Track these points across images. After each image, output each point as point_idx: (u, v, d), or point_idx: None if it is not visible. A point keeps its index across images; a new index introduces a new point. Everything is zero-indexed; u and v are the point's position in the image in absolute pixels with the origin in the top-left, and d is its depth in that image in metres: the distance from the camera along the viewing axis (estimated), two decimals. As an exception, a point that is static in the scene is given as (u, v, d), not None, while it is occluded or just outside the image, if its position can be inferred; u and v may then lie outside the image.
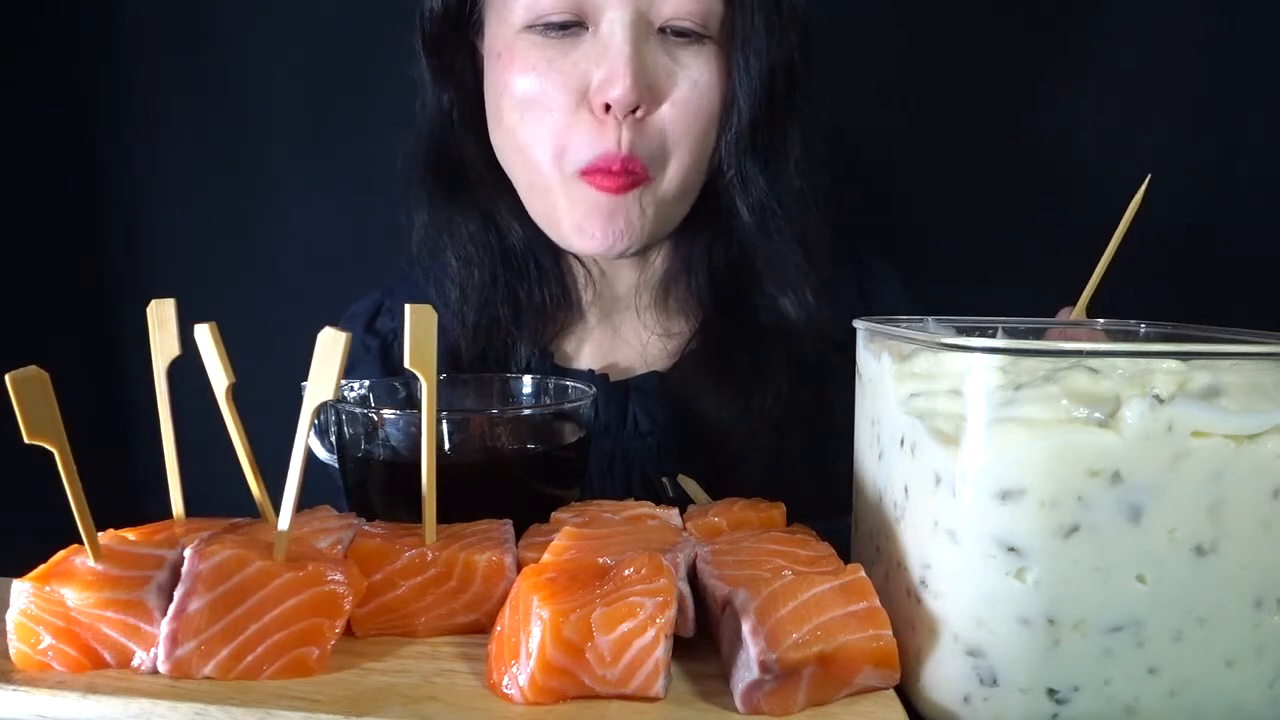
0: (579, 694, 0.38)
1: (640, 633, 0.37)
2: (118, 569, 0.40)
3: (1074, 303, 0.57)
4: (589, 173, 0.67)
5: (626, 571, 0.40)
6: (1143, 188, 0.54)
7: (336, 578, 0.41)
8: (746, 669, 0.37)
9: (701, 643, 0.42)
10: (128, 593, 0.40)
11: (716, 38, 0.68)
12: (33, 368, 0.37)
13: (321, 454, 0.65)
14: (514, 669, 0.38)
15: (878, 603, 0.40)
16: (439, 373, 0.45)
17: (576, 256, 0.77)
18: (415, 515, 0.46)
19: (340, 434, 0.57)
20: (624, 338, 0.79)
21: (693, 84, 0.67)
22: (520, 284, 0.75)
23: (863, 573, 0.41)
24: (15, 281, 1.00)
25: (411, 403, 0.61)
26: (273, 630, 0.39)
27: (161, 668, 0.39)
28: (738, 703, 0.38)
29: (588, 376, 0.76)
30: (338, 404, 0.56)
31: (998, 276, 0.94)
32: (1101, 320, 0.55)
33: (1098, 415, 0.37)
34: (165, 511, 0.47)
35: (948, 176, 0.99)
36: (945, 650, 0.39)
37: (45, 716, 0.38)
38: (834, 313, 0.73)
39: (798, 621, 0.38)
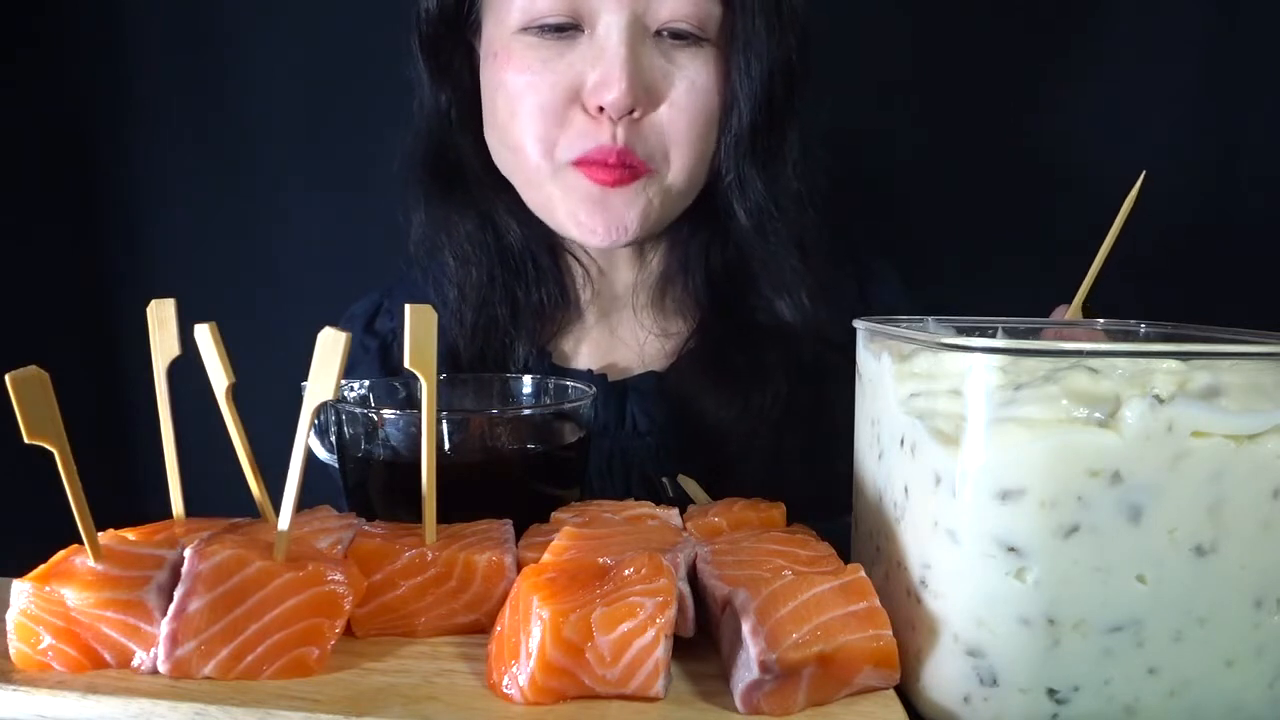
0: (579, 694, 0.38)
1: (640, 633, 0.37)
2: (118, 569, 0.40)
3: (1071, 301, 0.57)
4: (582, 163, 0.67)
5: (626, 571, 0.40)
6: (1138, 184, 0.54)
7: (336, 578, 0.41)
8: (746, 669, 0.37)
9: (701, 643, 0.42)
10: (128, 593, 0.40)
11: (715, 40, 0.68)
12: (33, 368, 0.37)
13: (321, 454, 0.65)
14: (514, 669, 0.38)
15: (878, 603, 0.40)
16: (438, 373, 0.45)
17: (575, 256, 0.77)
18: (415, 515, 0.46)
19: (340, 434, 0.57)
20: (622, 337, 0.79)
21: (690, 85, 0.67)
22: (518, 283, 0.75)
23: (863, 573, 0.41)
24: (15, 281, 1.00)
25: (411, 403, 0.61)
26: (273, 630, 0.39)
27: (161, 668, 0.39)
28: (738, 703, 0.38)
29: (586, 376, 0.76)
30: (338, 404, 0.56)
31: (998, 276, 0.94)
32: (1101, 320, 0.55)
33: (1098, 415, 0.37)
34: (165, 511, 0.47)
35: (948, 177, 0.99)
36: (945, 650, 0.39)
37: (45, 716, 0.38)
38: (833, 314, 0.73)
39: (798, 621, 0.38)
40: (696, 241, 0.76)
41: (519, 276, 0.75)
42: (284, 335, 0.60)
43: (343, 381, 0.48)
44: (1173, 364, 0.37)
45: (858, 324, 0.49)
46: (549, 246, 0.76)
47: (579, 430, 0.59)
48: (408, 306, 0.43)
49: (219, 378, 0.44)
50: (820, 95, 0.73)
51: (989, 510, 0.38)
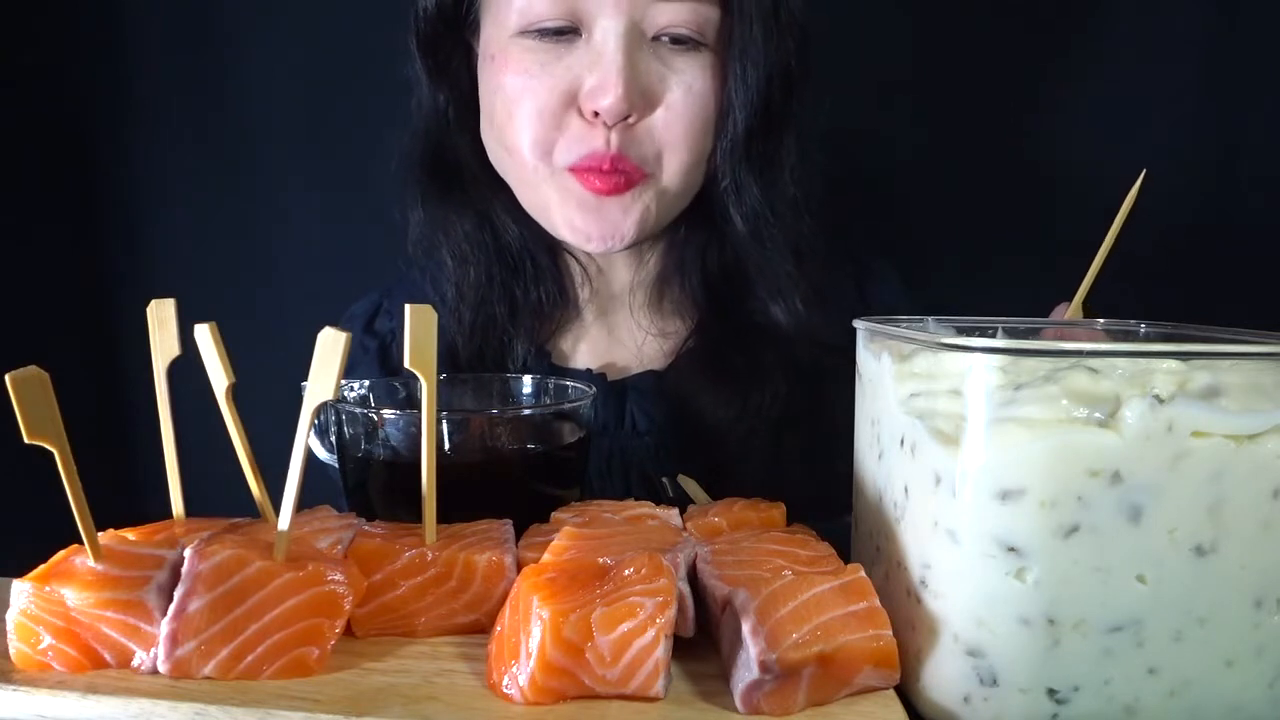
0: (579, 694, 0.38)
1: (640, 633, 0.37)
2: (118, 569, 0.40)
3: (1071, 300, 0.57)
4: (577, 170, 0.67)
5: (626, 571, 0.40)
6: (1138, 183, 0.54)
7: (336, 578, 0.41)
8: (746, 669, 0.37)
9: (701, 643, 0.42)
10: (128, 593, 0.40)
11: (712, 45, 0.68)
12: (33, 368, 0.37)
13: (321, 454, 0.65)
14: (514, 669, 0.38)
15: (878, 603, 0.40)
16: (438, 372, 0.45)
17: (573, 254, 0.77)
18: (415, 515, 0.46)
19: (340, 434, 0.57)
20: (620, 337, 0.79)
21: (686, 89, 0.67)
22: (516, 282, 0.75)
23: (863, 573, 0.41)
24: (15, 281, 1.00)
25: (411, 403, 0.61)
26: (273, 630, 0.39)
27: (161, 668, 0.39)
28: (738, 703, 0.38)
29: (585, 375, 0.76)
30: (338, 404, 0.56)
31: (998, 276, 0.94)
32: (1101, 320, 0.55)
33: (1098, 415, 0.37)
34: (165, 511, 0.47)
35: (948, 177, 0.99)
36: (945, 650, 0.39)
37: (45, 716, 0.38)
38: (831, 315, 0.72)
39: (798, 621, 0.38)
40: (693, 244, 0.76)
41: (517, 275, 0.75)
42: (284, 335, 0.60)
43: (343, 381, 0.48)
44: (1173, 364, 0.37)
45: (858, 324, 0.49)
46: (547, 246, 0.76)
47: (579, 430, 0.59)
48: (408, 306, 0.43)
49: (219, 378, 0.44)
50: (819, 96, 0.73)
51: (989, 510, 0.38)
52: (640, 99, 0.65)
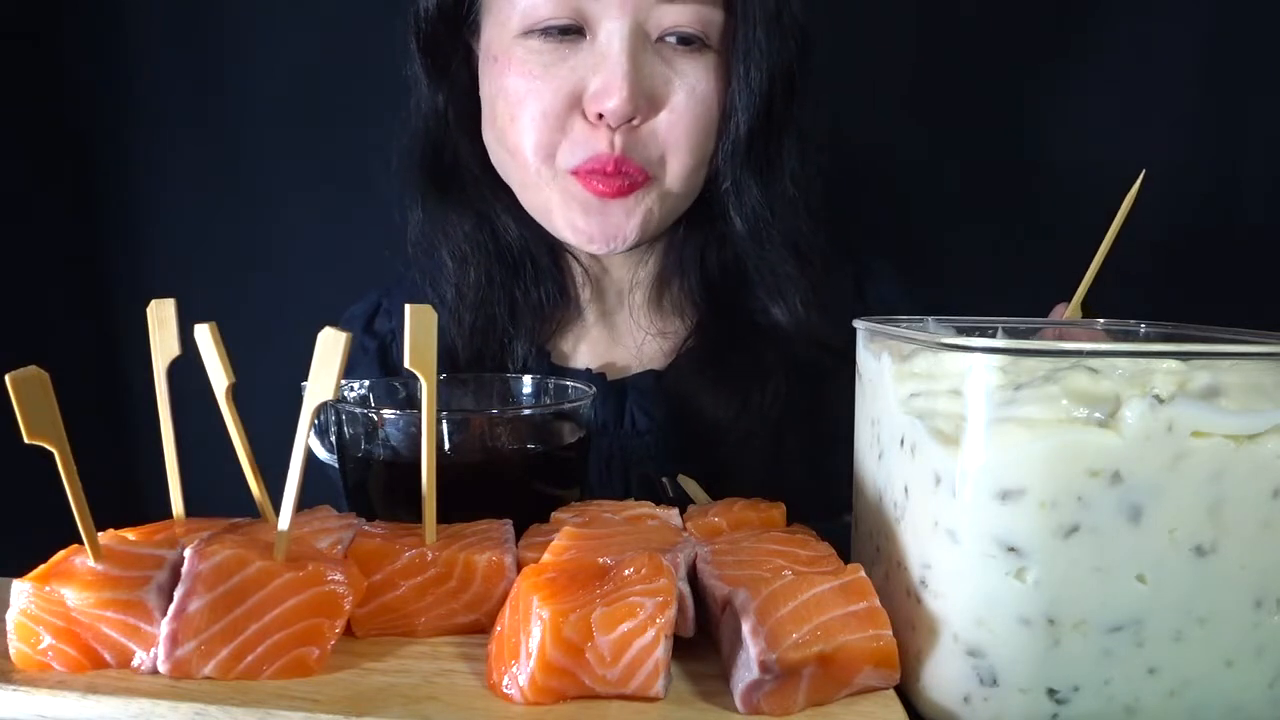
0: (579, 694, 0.38)
1: (640, 633, 0.37)
2: (118, 569, 0.40)
3: (1070, 300, 0.57)
4: (580, 173, 0.67)
5: (626, 571, 0.40)
6: (1137, 182, 0.54)
7: (336, 578, 0.41)
8: (746, 669, 0.37)
9: (701, 643, 0.42)
10: (128, 593, 0.40)
11: (716, 47, 0.68)
12: (33, 368, 0.37)
13: (321, 454, 0.65)
14: (514, 669, 0.38)
15: (878, 603, 0.40)
16: (437, 373, 0.45)
17: (574, 254, 0.77)
18: (415, 515, 0.46)
19: (340, 434, 0.57)
20: (620, 337, 0.79)
21: (690, 91, 0.67)
22: (516, 283, 0.75)
23: (863, 573, 0.41)
24: (15, 281, 1.00)
25: (411, 403, 0.61)
26: (273, 630, 0.39)
27: (161, 668, 0.39)
28: (738, 703, 0.38)
29: (585, 375, 0.76)
30: (338, 404, 0.56)
31: (998, 276, 0.94)
32: (1101, 320, 0.55)
33: (1098, 415, 0.37)
34: (165, 511, 0.47)
35: (948, 177, 0.99)
36: (945, 650, 0.39)
37: (45, 716, 0.38)
38: (829, 316, 0.73)
39: (798, 621, 0.38)
40: (692, 244, 0.76)
41: (517, 276, 0.75)
42: (284, 335, 0.60)
43: (343, 381, 0.48)
44: (1173, 364, 0.37)
45: (858, 324, 0.49)
46: (548, 246, 0.76)
47: (579, 430, 0.59)
48: (408, 307, 0.43)
49: (219, 378, 0.44)
50: (820, 96, 0.73)
51: (989, 510, 0.38)
52: (645, 101, 0.65)
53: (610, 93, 0.64)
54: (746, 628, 0.38)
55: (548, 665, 0.37)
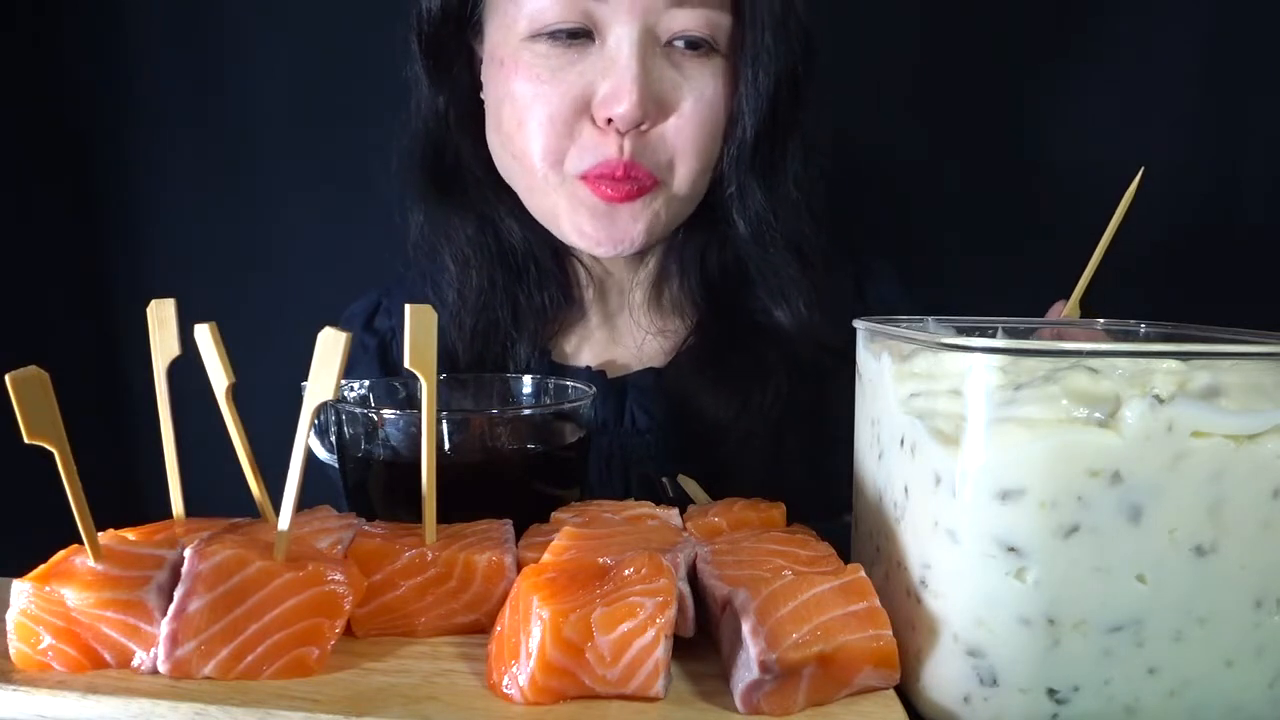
0: (579, 694, 0.38)
1: (640, 633, 0.37)
2: (118, 569, 0.40)
3: (1069, 298, 0.57)
4: (589, 178, 0.67)
5: (626, 571, 0.40)
6: (1135, 180, 0.54)
7: (336, 578, 0.41)
8: (746, 669, 0.37)
9: (701, 643, 0.42)
10: (128, 593, 0.40)
11: (724, 51, 0.68)
12: (33, 368, 0.37)
13: (321, 454, 0.65)
14: (514, 669, 0.38)
15: (878, 603, 0.40)
16: (437, 374, 0.45)
17: (578, 256, 0.77)
18: (415, 515, 0.46)
19: (340, 434, 0.57)
20: (621, 336, 0.79)
21: (698, 96, 0.67)
22: (519, 286, 0.75)
23: (863, 573, 0.41)
24: (15, 281, 1.00)
25: (411, 403, 0.61)
26: (273, 630, 0.39)
27: (161, 668, 0.39)
28: (738, 703, 0.38)
29: (585, 374, 0.76)
30: (338, 404, 0.56)
31: (998, 276, 0.94)
32: (1101, 320, 0.55)
33: (1098, 415, 0.37)
34: (165, 511, 0.47)
35: (948, 177, 0.99)
36: (945, 650, 0.39)
37: (45, 716, 0.38)
38: (831, 318, 0.73)
39: (798, 621, 0.38)
40: (692, 244, 0.76)
41: (520, 279, 0.75)
42: (284, 335, 0.60)
43: (343, 381, 0.48)
44: (1173, 364, 0.37)
45: (858, 324, 0.49)
46: (552, 249, 0.75)
47: (579, 430, 0.59)
48: (408, 307, 0.43)
49: (219, 378, 0.44)
50: (821, 95, 0.73)
51: (989, 510, 0.38)
52: (654, 106, 0.65)
53: (620, 97, 0.63)
54: (746, 628, 0.38)
55: (548, 665, 0.37)
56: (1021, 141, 0.99)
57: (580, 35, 0.65)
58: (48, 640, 0.39)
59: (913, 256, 0.90)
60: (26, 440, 0.37)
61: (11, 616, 0.40)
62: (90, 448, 0.43)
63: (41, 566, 0.41)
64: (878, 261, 0.85)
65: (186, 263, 1.04)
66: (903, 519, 0.43)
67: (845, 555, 0.46)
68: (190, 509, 0.47)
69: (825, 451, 0.59)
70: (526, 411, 0.61)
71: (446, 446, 0.55)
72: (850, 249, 0.82)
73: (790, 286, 0.73)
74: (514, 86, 0.67)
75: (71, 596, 0.39)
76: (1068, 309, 0.57)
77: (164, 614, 0.39)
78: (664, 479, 0.64)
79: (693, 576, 0.44)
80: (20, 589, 0.40)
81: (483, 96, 0.72)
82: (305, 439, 0.41)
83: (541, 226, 0.73)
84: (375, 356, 0.79)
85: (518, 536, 0.48)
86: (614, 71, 0.64)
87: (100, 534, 0.41)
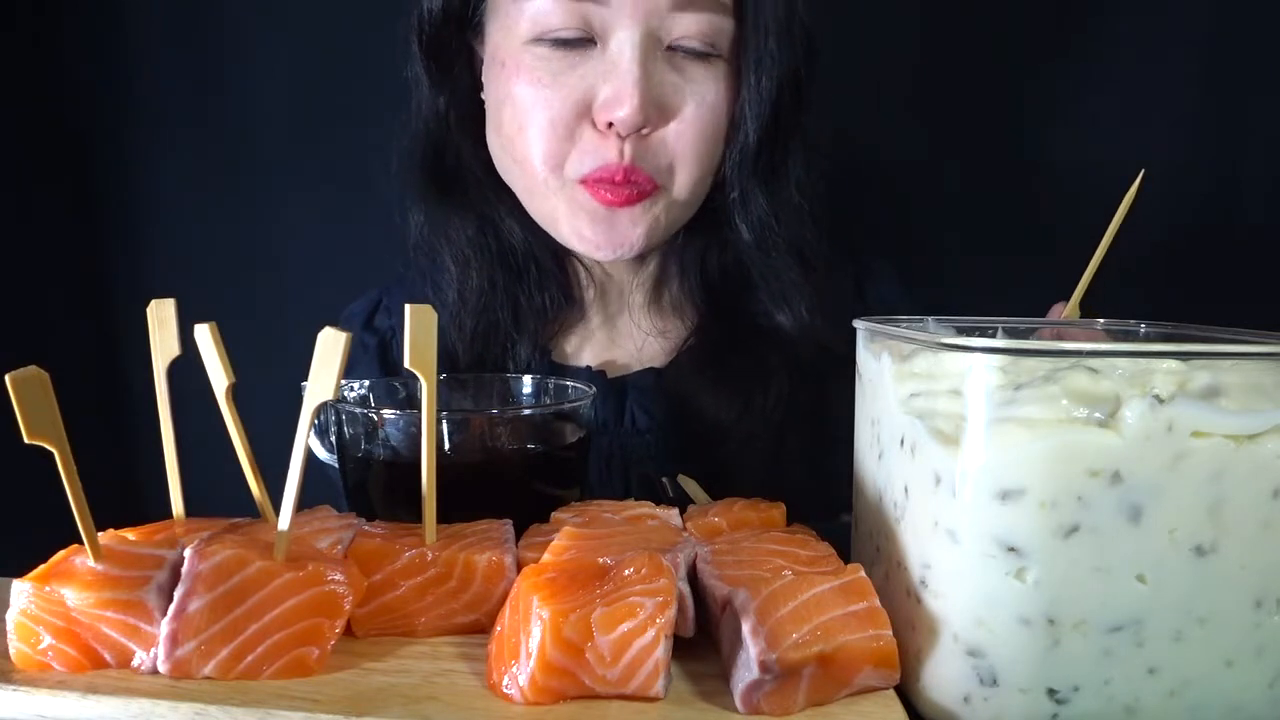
0: (579, 694, 0.38)
1: (640, 633, 0.37)
2: (118, 569, 0.40)
3: (1069, 299, 0.57)
4: (589, 182, 0.66)
5: (626, 571, 0.40)
6: (1136, 181, 0.54)
7: (336, 578, 0.41)
8: (746, 669, 0.37)
9: (701, 643, 0.42)
10: (128, 593, 0.40)
11: (726, 56, 0.67)
12: (33, 368, 0.37)
13: (321, 454, 0.65)
14: (514, 669, 0.38)
15: (878, 603, 0.40)
16: (437, 374, 0.45)
17: (579, 257, 0.77)
18: (415, 515, 0.46)
19: (340, 434, 0.57)
20: (621, 337, 0.79)
21: (700, 101, 0.67)
22: (520, 287, 0.75)
23: (863, 573, 0.41)
24: (16, 281, 1.00)
25: (411, 403, 0.61)
26: (273, 630, 0.39)
27: (161, 668, 0.39)
28: (738, 703, 0.38)
29: (585, 373, 0.76)
30: (338, 404, 0.56)
31: (998, 276, 0.94)
32: (1101, 320, 0.55)
33: (1098, 415, 0.37)
34: (165, 511, 0.47)
35: (948, 177, 0.99)
36: (945, 650, 0.39)
37: (45, 716, 0.38)
38: (832, 321, 0.72)
39: (798, 621, 0.38)
40: (693, 248, 0.76)
41: (521, 280, 0.75)
42: (284, 335, 0.60)
43: (343, 381, 0.48)
44: (1173, 364, 0.37)
45: (858, 324, 0.49)
46: (552, 250, 0.75)
47: (579, 430, 0.59)
48: (408, 307, 0.43)
49: (219, 378, 0.44)
50: (821, 96, 0.73)
51: (989, 510, 0.38)
52: (655, 111, 0.65)
53: (621, 102, 0.63)
54: (746, 628, 0.38)
55: (548, 665, 0.37)
56: (1021, 141, 0.99)
57: (581, 41, 0.65)
58: (48, 640, 0.39)
59: (913, 256, 0.90)
60: (26, 440, 0.37)
61: (11, 616, 0.40)
62: (90, 448, 0.43)
63: (41, 566, 0.41)
64: (878, 261, 0.85)
65: (186, 263, 1.04)
66: (903, 519, 0.43)
67: (845, 555, 0.46)
68: (190, 509, 0.47)
69: (825, 451, 0.59)
70: (526, 411, 0.61)
71: (446, 446, 0.55)
72: (850, 249, 0.82)
73: (792, 290, 0.73)
74: (515, 89, 0.67)
75: (71, 596, 0.39)
76: (1067, 311, 0.57)
77: (164, 614, 0.39)
78: (664, 479, 0.64)
79: (693, 576, 0.44)
80: (20, 589, 0.40)
81: (483, 97, 0.72)
82: (305, 439, 0.41)
83: (541, 227, 0.73)
84: (375, 356, 0.79)
85: (518, 536, 0.48)
86: (615, 75, 0.64)
87: (100, 534, 0.41)
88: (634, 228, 0.68)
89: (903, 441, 0.43)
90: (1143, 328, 0.54)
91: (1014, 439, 0.37)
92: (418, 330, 0.43)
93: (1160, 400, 0.36)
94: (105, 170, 1.04)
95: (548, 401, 0.63)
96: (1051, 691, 0.38)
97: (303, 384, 0.40)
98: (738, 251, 0.74)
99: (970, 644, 0.39)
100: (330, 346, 0.39)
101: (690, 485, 0.60)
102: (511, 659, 0.38)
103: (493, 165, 0.73)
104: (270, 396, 0.58)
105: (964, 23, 0.97)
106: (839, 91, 0.76)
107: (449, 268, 0.75)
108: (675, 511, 0.51)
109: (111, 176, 1.04)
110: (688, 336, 0.77)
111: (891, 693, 0.39)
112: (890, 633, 0.39)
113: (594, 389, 0.60)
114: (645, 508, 0.51)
